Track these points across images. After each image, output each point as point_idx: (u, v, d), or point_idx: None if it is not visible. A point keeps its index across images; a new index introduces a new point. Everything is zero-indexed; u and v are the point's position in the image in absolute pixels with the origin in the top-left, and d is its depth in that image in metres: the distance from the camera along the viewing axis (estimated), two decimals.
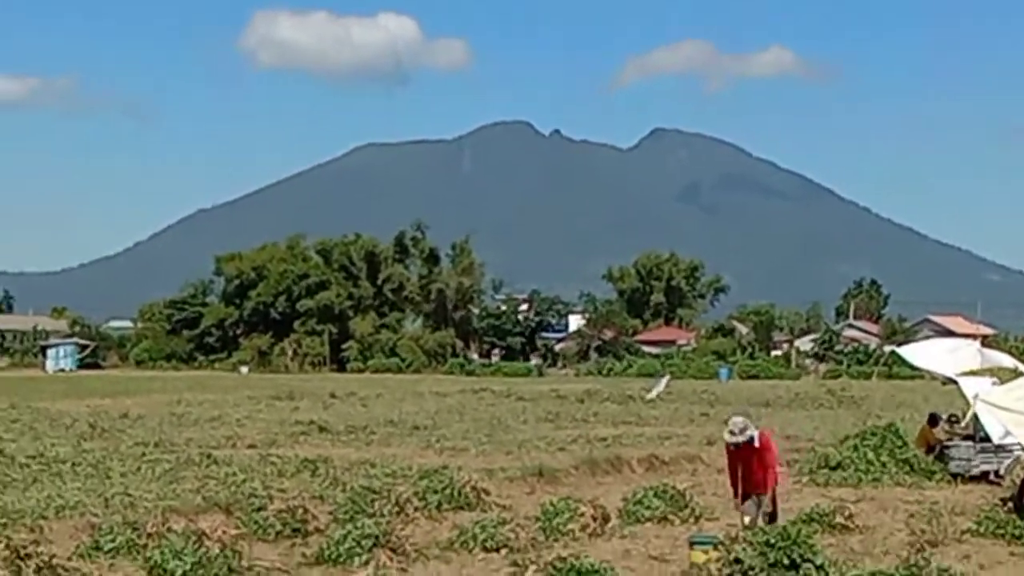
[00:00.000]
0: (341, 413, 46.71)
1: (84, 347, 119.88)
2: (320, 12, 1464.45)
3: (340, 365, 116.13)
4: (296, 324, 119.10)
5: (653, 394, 59.75)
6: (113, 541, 17.75)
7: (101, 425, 38.63)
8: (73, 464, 26.98)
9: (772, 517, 18.59)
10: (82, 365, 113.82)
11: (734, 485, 18.86)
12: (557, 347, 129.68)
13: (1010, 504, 22.14)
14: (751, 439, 18.47)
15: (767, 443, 18.77)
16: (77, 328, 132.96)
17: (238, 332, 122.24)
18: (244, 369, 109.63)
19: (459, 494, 22.78)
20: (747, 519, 18.49)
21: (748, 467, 18.60)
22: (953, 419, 29.86)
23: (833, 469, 28.02)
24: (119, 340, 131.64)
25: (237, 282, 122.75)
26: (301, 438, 35.51)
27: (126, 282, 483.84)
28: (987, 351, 30.35)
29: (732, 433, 18.52)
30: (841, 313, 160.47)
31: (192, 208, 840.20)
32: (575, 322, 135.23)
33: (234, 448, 32.12)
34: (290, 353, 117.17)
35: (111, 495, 22.02)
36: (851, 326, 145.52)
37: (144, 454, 29.67)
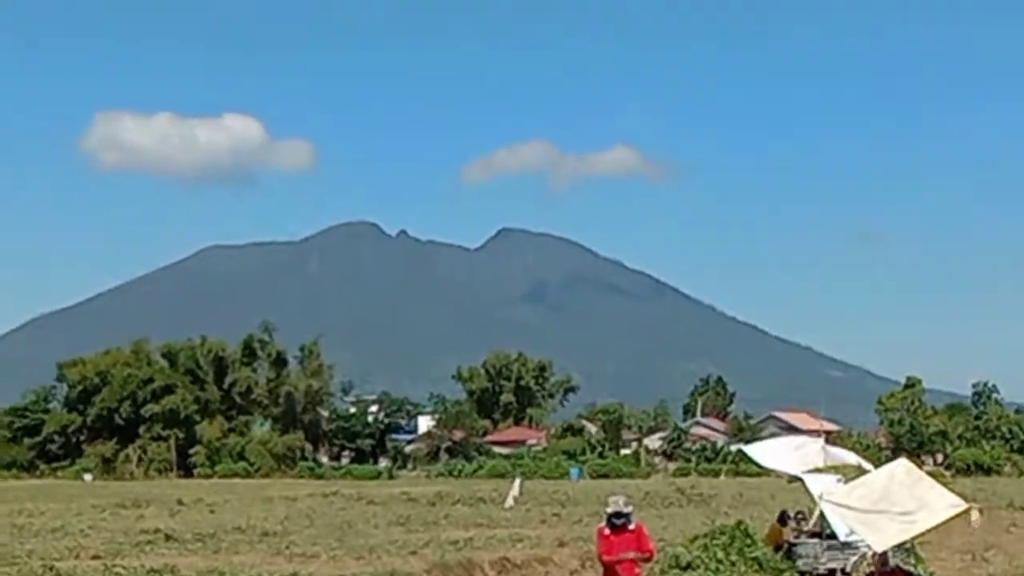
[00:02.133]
0: (189, 520, 45.99)
1: None
2: (164, 113, 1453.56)
3: (187, 471, 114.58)
4: (141, 429, 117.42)
5: (509, 501, 59.70)
6: None
7: None
8: None
9: None
10: None
11: (608, 566, 18.86)
12: (407, 449, 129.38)
13: None
14: (631, 519, 18.67)
15: (642, 528, 19.00)
16: None
17: (82, 439, 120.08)
18: (88, 477, 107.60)
19: None
20: None
21: (622, 551, 18.62)
22: (800, 516, 30.25)
23: (684, 569, 28.05)
24: None
25: (80, 388, 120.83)
26: (147, 547, 34.81)
27: None
28: (831, 448, 30.83)
29: (617, 504, 18.66)
30: (688, 411, 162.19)
31: (34, 312, 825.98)
32: (425, 423, 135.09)
33: (78, 559, 31.38)
34: (135, 459, 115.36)
35: None
36: (699, 423, 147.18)
37: None
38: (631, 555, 18.57)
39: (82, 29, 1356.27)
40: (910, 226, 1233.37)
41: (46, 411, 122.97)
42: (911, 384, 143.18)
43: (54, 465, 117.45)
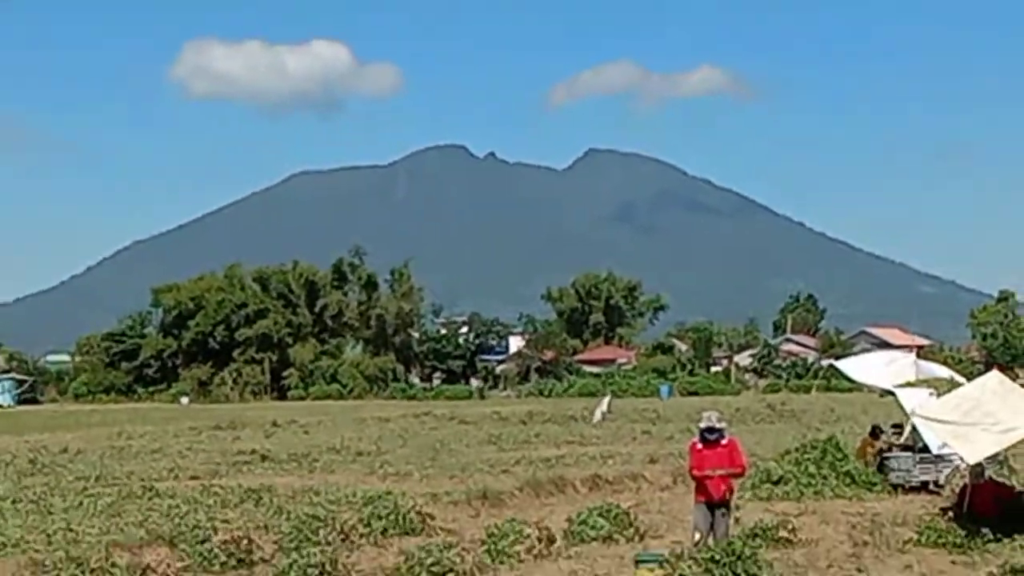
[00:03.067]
0: (283, 441, 46.46)
1: (22, 382, 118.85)
2: (252, 41, 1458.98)
3: (281, 393, 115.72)
4: (235, 353, 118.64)
5: (597, 416, 59.77)
6: None
7: (41, 461, 38.19)
8: (13, 501, 26.58)
9: (725, 532, 18.77)
10: (20, 400, 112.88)
11: (699, 481, 19.02)
12: (498, 369, 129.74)
13: (950, 513, 22.40)
14: (724, 434, 18.75)
15: (735, 442, 19.06)
16: (14, 363, 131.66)
17: (177, 363, 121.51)
18: (184, 400, 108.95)
19: (404, 520, 22.71)
20: (697, 536, 18.62)
21: (714, 466, 18.72)
22: (894, 431, 30.15)
23: (775, 483, 28.14)
24: (57, 374, 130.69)
25: (175, 313, 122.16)
26: (244, 468, 35.17)
27: (63, 316, 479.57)
28: (923, 363, 30.64)
29: (710, 420, 18.75)
30: (779, 328, 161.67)
31: (127, 240, 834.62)
32: (515, 344, 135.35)
33: (176, 480, 31.80)
34: (230, 383, 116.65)
35: (53, 531, 21.78)
36: (789, 340, 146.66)
37: (85, 489, 29.33)
38: (720, 472, 18.61)
39: None
40: (1001, 136, 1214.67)
41: (142, 336, 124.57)
42: (1004, 297, 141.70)
43: (151, 389, 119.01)
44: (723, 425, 18.91)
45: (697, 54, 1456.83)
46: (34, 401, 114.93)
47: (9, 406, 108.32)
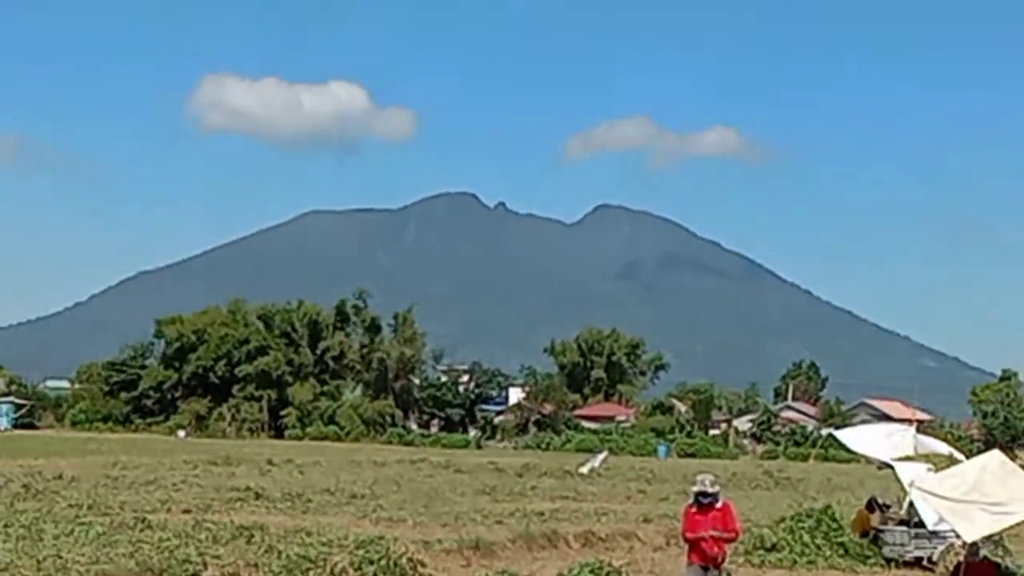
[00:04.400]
0: (278, 480, 46.46)
1: (20, 406, 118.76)
2: (270, 78, 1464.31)
3: (278, 432, 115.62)
4: (235, 389, 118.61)
5: (587, 468, 59.87)
6: None
7: (35, 486, 38.23)
8: (5, 525, 26.62)
9: None
10: (17, 425, 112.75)
11: (693, 543, 19.01)
12: (496, 420, 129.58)
13: None
14: (717, 498, 18.79)
15: (729, 506, 19.09)
16: (13, 387, 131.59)
17: (176, 395, 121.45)
18: (181, 433, 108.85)
19: (395, 565, 22.67)
20: None
21: (708, 530, 18.75)
22: (888, 505, 30.11)
23: (769, 550, 28.10)
24: (55, 400, 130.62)
25: (177, 345, 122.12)
26: (237, 504, 35.20)
27: (64, 342, 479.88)
28: (923, 437, 30.65)
29: (703, 484, 18.80)
30: (779, 394, 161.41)
31: (134, 270, 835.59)
32: (515, 395, 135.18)
33: (169, 513, 31.85)
34: (228, 418, 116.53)
35: (43, 557, 21.76)
36: (789, 407, 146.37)
37: (78, 517, 29.37)
38: (712, 533, 18.64)
39: None
40: (1009, 215, 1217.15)
41: (143, 367, 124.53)
42: (1007, 376, 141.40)
43: (149, 420, 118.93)
44: (717, 489, 18.97)
45: (711, 113, 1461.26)
46: (31, 426, 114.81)
47: (6, 429, 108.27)
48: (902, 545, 27.90)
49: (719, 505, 18.93)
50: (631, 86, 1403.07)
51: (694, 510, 19.05)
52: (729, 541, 19.41)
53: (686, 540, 19.23)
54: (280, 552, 23.73)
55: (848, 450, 40.90)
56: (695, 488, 19.06)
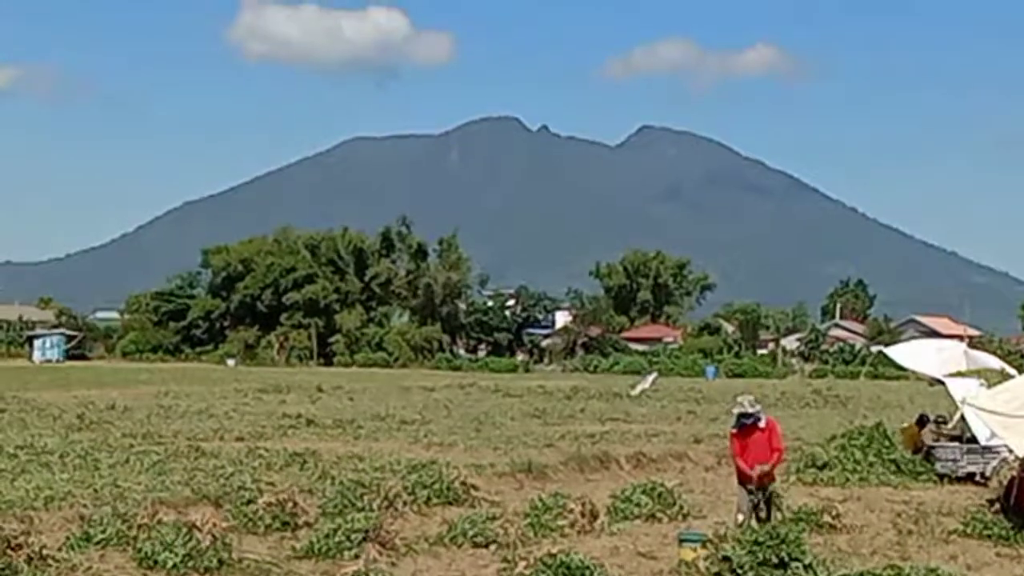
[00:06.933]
0: (329, 407, 46.67)
1: (71, 338, 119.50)
2: (310, 4, 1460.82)
3: (327, 359, 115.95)
4: (283, 317, 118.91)
5: (638, 390, 59.88)
6: (103, 532, 17.68)
7: (89, 416, 38.55)
8: (61, 455, 26.89)
9: (767, 516, 18.87)
10: (69, 356, 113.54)
11: (740, 465, 19.12)
12: (543, 343, 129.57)
13: (997, 505, 22.25)
14: (759, 417, 18.80)
15: (773, 425, 19.10)
16: (64, 319, 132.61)
17: (225, 324, 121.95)
18: (231, 362, 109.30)
19: (448, 489, 22.81)
20: (740, 517, 18.67)
21: (753, 450, 18.82)
22: (940, 420, 29.98)
23: (820, 468, 28.08)
24: (106, 331, 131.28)
25: (224, 274, 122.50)
26: (289, 431, 35.43)
27: (113, 273, 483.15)
28: (973, 352, 30.49)
29: (742, 406, 18.83)
30: (827, 312, 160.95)
31: (179, 200, 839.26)
32: (562, 318, 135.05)
33: (222, 441, 32.06)
34: (277, 346, 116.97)
35: (100, 486, 22.01)
36: (837, 325, 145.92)
37: (132, 446, 29.63)
38: (758, 470, 18.73)
39: None
40: None
41: (191, 296, 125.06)
42: None
43: (198, 349, 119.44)
44: (757, 408, 19.00)
45: (752, 31, 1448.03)
46: (82, 357, 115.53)
47: (58, 360, 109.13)
48: (954, 461, 27.80)
49: (763, 424, 18.96)
50: (670, 6, 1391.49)
51: (737, 432, 19.15)
52: (775, 464, 19.40)
53: (736, 464, 19.35)
54: (334, 478, 23.91)
55: (898, 367, 40.80)
56: (735, 410, 19.10)
